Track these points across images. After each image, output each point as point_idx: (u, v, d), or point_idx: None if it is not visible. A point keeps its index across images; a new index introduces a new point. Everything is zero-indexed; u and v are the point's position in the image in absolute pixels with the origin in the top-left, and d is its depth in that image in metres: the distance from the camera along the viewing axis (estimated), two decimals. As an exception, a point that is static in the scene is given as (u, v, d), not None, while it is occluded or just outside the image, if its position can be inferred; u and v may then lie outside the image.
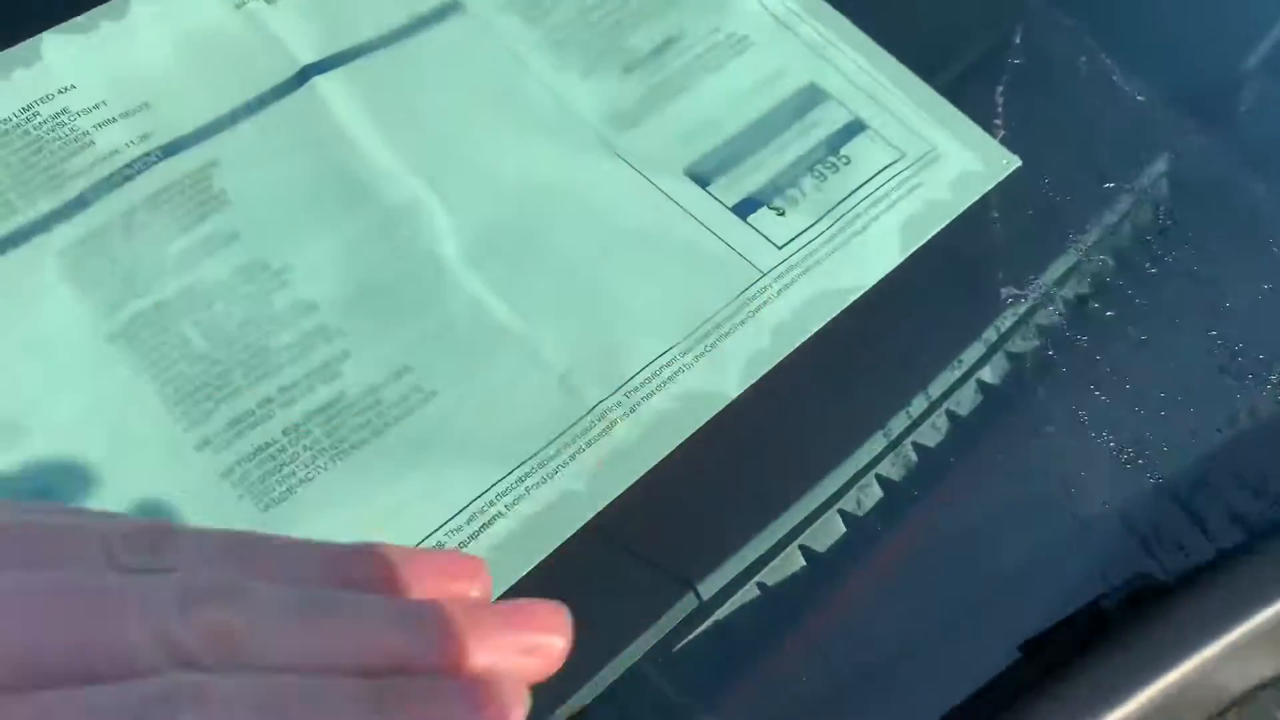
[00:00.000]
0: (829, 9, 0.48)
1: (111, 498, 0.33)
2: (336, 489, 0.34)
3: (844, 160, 0.43)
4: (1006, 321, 0.47)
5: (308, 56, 0.42)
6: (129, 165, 0.39)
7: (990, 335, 0.47)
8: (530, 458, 0.35)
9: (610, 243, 0.40)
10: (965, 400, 0.45)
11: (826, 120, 0.44)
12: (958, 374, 0.45)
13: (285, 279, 0.38)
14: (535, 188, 0.41)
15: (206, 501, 0.34)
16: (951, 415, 0.44)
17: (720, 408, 0.37)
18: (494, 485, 0.35)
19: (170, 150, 0.39)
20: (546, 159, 0.42)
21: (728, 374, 0.38)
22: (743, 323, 0.39)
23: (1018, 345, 0.46)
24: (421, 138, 0.41)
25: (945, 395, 0.45)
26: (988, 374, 0.45)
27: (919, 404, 0.44)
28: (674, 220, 0.41)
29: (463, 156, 0.41)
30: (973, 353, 0.46)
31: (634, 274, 0.39)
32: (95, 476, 0.34)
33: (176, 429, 0.35)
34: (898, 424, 0.44)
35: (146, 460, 0.34)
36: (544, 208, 0.41)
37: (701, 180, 0.42)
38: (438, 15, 0.44)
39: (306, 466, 0.34)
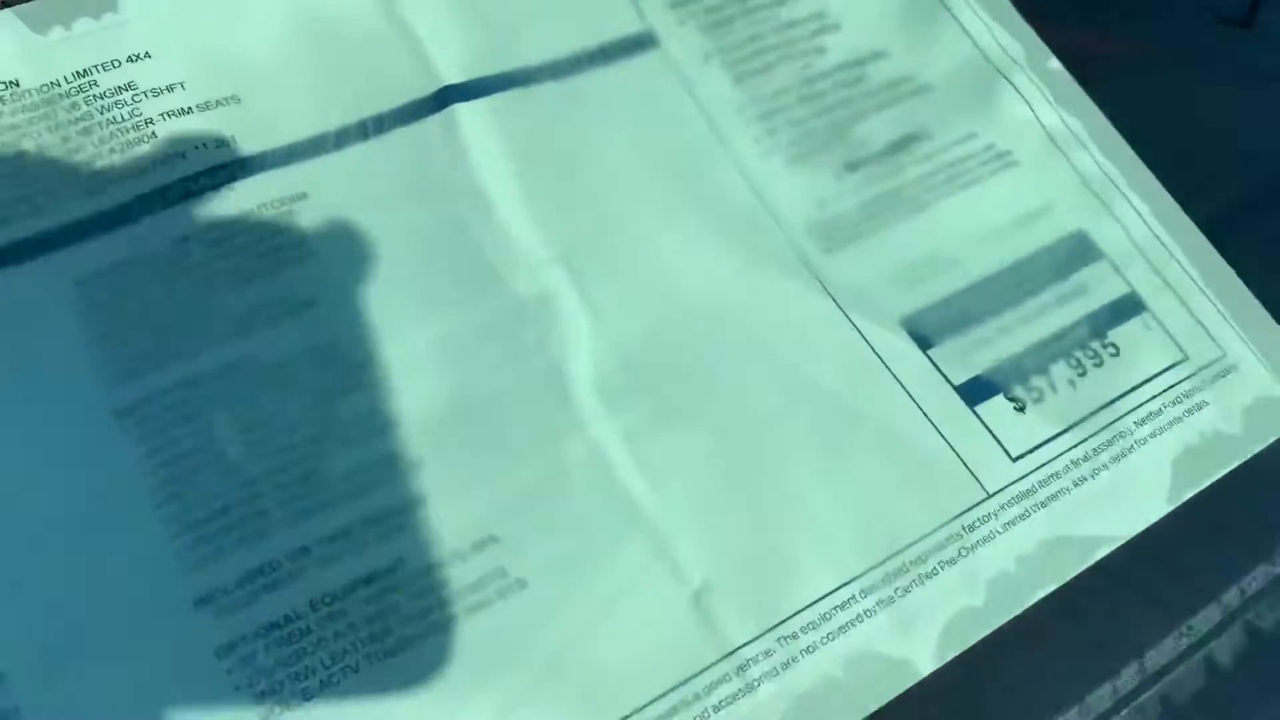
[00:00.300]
0: (1116, 135, 0.36)
1: (56, 651, 0.24)
2: (365, 704, 0.24)
3: (1110, 350, 0.32)
4: (1255, 583, 0.36)
5: (452, 74, 0.32)
6: (194, 177, 0.29)
7: (1233, 600, 0.35)
8: (633, 712, 0.25)
9: (790, 405, 0.29)
10: (1190, 681, 0.34)
11: (1095, 287, 0.33)
12: (1184, 643, 0.34)
13: (361, 378, 0.27)
14: (706, 306, 0.30)
15: (188, 684, 0.24)
16: (1167, 703, 0.33)
17: (905, 687, 0.26)
18: (578, 744, 0.24)
19: (252, 167, 0.29)
20: (726, 269, 0.31)
21: (920, 637, 0.27)
22: (951, 563, 0.28)
23: (1269, 622, 0.35)
24: (574, 209, 0.31)
25: (1163, 671, 0.34)
26: (1224, 653, 0.34)
27: (1129, 677, 0.34)
28: (878, 389, 0.30)
29: (622, 244, 0.31)
30: (1207, 619, 0.35)
31: (815, 456, 0.29)
32: (37, 613, 0.24)
33: (174, 568, 0.25)
34: (1099, 700, 0.33)
35: (120, 604, 0.24)
36: (714, 337, 0.30)
37: (923, 339, 0.31)
38: (624, 48, 0.34)
39: (333, 662, 0.24)
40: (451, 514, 0.27)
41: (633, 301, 0.30)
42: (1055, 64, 0.37)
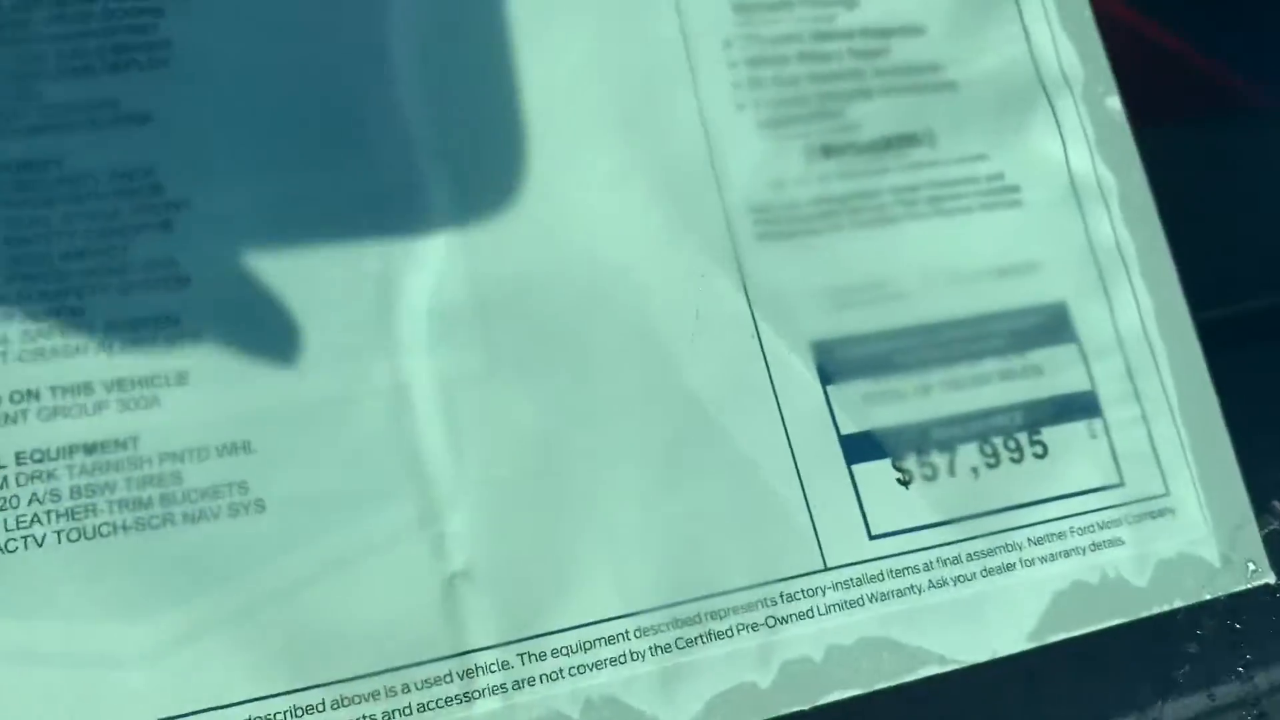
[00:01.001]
0: (1150, 206, 0.30)
1: None
2: (34, 584, 0.21)
3: (1036, 449, 0.27)
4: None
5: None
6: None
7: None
8: (331, 683, 0.22)
9: (647, 398, 0.25)
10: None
11: (1052, 373, 0.28)
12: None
13: (171, 220, 0.23)
14: (599, 258, 0.26)
15: None
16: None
17: (639, 752, 0.23)
18: (272, 696, 0.21)
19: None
20: (641, 221, 0.26)
21: (681, 702, 0.23)
22: (752, 630, 0.24)
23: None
24: (486, 94, 0.26)
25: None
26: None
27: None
28: (753, 412, 0.26)
29: (527, 153, 0.26)
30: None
31: (651, 463, 0.25)
32: None
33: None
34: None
35: None
36: (594, 296, 0.26)
37: (827, 372, 0.26)
38: (620, -67, 0.28)
39: (17, 527, 0.21)
40: (211, 403, 0.23)
41: (515, 224, 0.26)
42: (1114, 101, 0.31)
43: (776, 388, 0.26)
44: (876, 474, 0.26)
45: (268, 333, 0.23)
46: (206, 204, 0.24)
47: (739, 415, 0.26)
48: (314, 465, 0.23)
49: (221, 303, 0.23)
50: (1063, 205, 0.30)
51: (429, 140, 0.25)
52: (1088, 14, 0.31)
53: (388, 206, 0.25)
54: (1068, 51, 0.31)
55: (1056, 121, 0.30)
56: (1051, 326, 0.29)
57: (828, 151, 0.28)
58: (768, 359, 0.26)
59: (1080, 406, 0.28)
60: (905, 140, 0.29)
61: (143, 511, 0.22)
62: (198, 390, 0.23)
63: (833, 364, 0.27)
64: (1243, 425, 0.30)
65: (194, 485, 0.22)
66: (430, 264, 0.25)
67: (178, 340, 0.23)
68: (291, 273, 0.24)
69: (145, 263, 0.23)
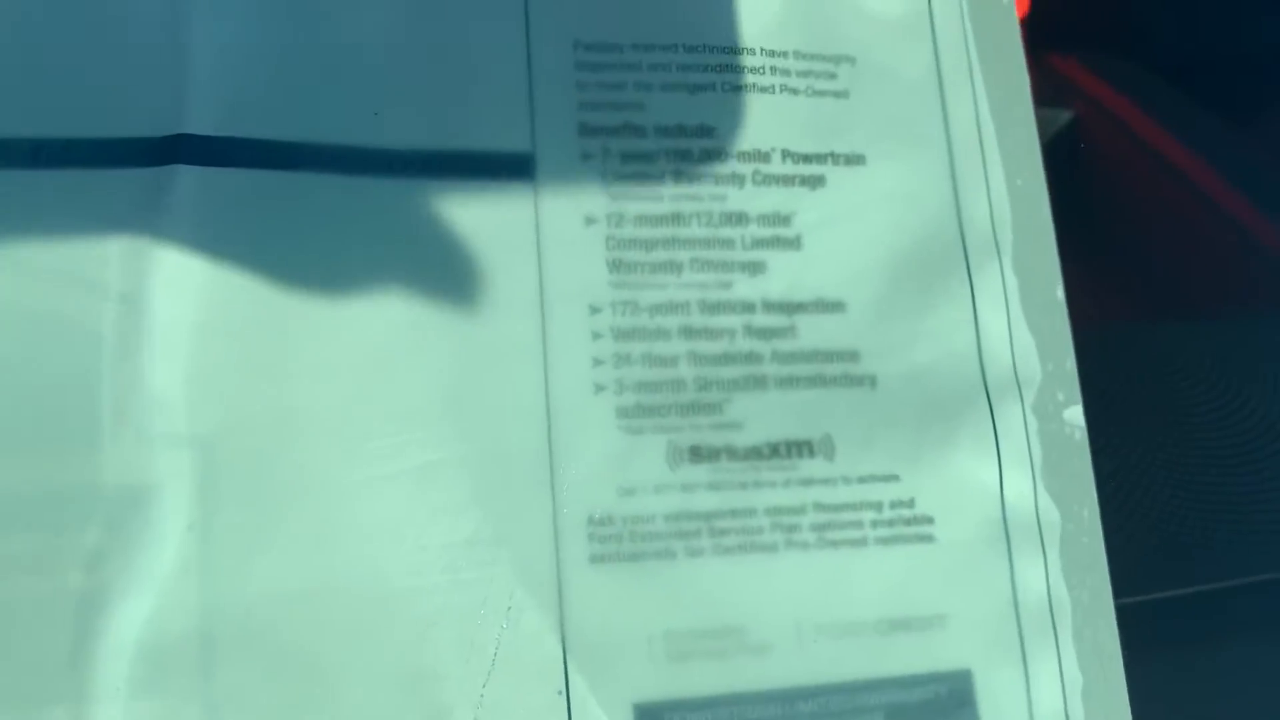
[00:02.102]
0: (1100, 555, 0.24)
1: None
2: None
3: None
4: None
5: (199, 121, 0.21)
6: None
7: None
8: None
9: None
10: None
11: (934, 768, 0.22)
12: None
13: None
14: (378, 592, 0.21)
15: None
16: None
17: None
18: None
19: None
20: (444, 533, 0.21)
21: None
22: None
23: None
24: (267, 376, 0.21)
25: None
26: None
27: None
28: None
29: (311, 447, 0.21)
30: None
31: None
32: None
33: None
34: None
35: None
36: (361, 637, 0.20)
37: (644, 746, 0.21)
38: (478, 165, 0.23)
39: None
40: None
41: (271, 534, 0.21)
42: (1074, 413, 0.25)
43: (574, 765, 0.21)
44: None
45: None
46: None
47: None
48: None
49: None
50: (986, 545, 0.24)
51: (174, 421, 0.20)
52: (1058, 296, 0.25)
53: (110, 509, 0.20)
54: (1025, 346, 0.25)
55: (995, 437, 0.24)
56: (947, 704, 0.23)
57: (697, 454, 0.23)
58: (566, 703, 0.21)
59: (968, 815, 0.22)
60: (796, 448, 0.23)
61: None
62: None
63: (655, 738, 0.21)
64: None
65: None
66: (151, 584, 0.20)
67: None
68: None
69: None
